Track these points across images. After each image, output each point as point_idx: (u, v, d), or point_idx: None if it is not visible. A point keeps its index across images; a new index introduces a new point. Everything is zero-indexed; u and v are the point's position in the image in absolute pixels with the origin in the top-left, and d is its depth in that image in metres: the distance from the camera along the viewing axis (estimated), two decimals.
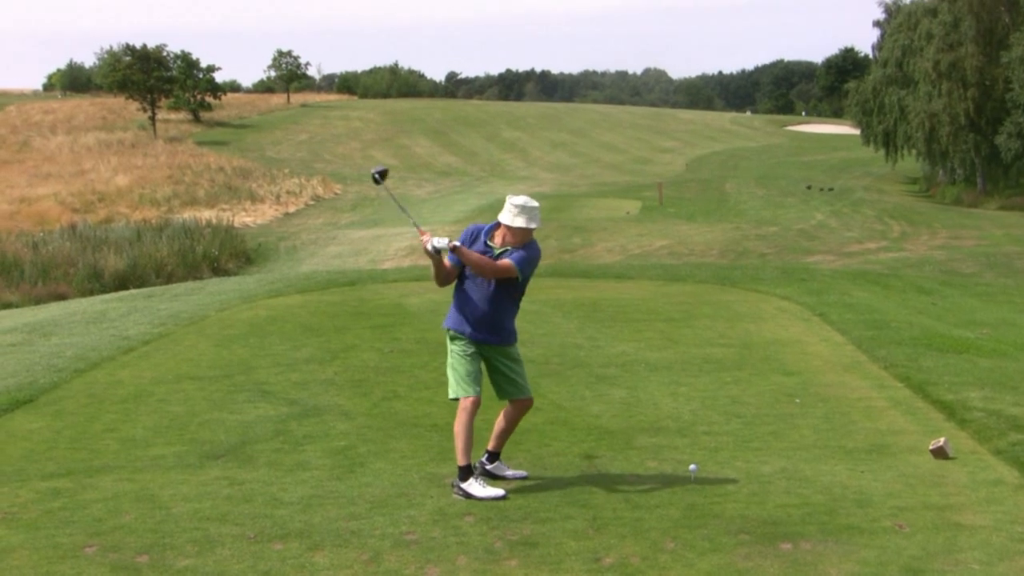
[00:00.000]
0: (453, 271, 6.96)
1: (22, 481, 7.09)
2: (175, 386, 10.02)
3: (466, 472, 6.69)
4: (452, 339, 7.02)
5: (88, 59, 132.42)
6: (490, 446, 7.12)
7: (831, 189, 56.80)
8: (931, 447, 7.42)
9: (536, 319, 13.18)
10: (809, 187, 57.30)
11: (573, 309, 14.48)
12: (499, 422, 7.14)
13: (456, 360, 6.97)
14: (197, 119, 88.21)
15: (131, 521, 6.20)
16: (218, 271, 38.62)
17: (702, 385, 9.82)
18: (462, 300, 6.99)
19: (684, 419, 8.59)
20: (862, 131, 70.30)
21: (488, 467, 7.06)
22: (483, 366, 7.03)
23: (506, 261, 6.82)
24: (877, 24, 72.37)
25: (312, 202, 61.44)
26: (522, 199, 6.94)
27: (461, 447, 6.76)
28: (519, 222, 6.87)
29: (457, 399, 6.89)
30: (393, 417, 8.78)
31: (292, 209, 59.00)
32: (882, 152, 67.28)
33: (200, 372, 10.63)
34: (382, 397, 9.51)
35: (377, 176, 7.29)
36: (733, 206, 50.15)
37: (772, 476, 6.98)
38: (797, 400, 9.17)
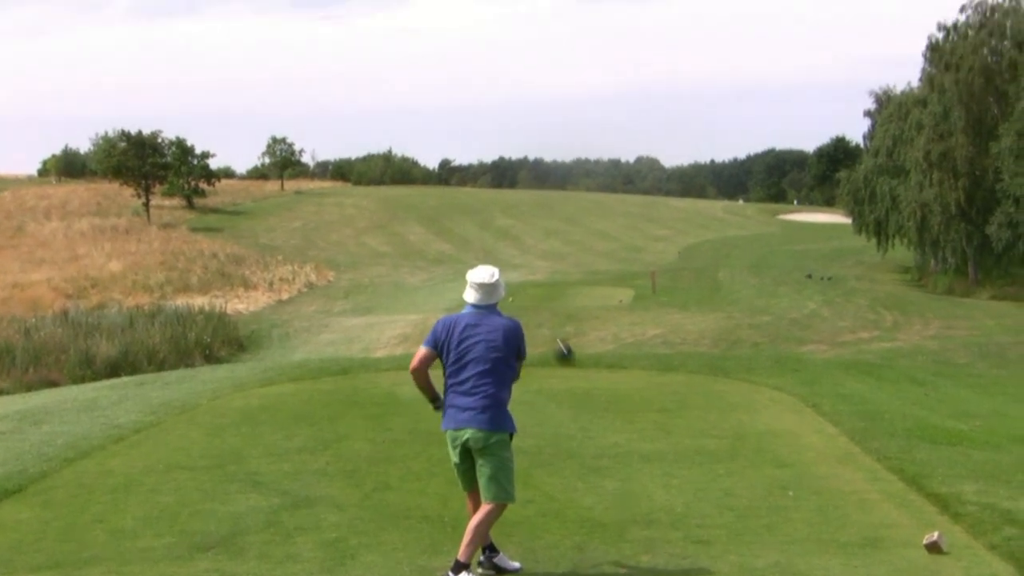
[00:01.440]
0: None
1: (9, 573, 7.05)
2: (166, 476, 9.99)
3: (462, 567, 6.66)
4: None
5: (83, 144, 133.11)
6: (485, 541, 7.11)
7: (830, 278, 57.02)
8: (925, 541, 7.41)
9: (528, 409, 13.16)
10: (809, 276, 57.45)
11: (566, 399, 14.48)
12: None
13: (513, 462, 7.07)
14: (191, 205, 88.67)
15: None
16: (210, 358, 38.61)
17: (695, 477, 9.82)
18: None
19: (677, 511, 8.58)
20: (854, 220, 70.82)
21: (495, 559, 7.04)
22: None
23: None
24: (868, 114, 73.39)
25: (305, 289, 61.61)
26: (476, 274, 7.14)
27: (475, 544, 6.79)
28: (470, 298, 7.12)
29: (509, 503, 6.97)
30: (385, 508, 8.76)
31: (285, 296, 59.14)
32: (874, 241, 67.74)
33: (191, 461, 10.61)
34: (374, 488, 9.49)
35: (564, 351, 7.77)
36: (726, 295, 50.37)
37: (766, 570, 6.96)
38: (790, 492, 9.17)
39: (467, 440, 6.92)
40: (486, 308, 7.08)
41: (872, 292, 51.88)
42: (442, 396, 7.18)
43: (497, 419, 6.95)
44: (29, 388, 28.91)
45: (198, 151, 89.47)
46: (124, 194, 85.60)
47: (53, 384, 29.87)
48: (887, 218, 64.69)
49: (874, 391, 16.31)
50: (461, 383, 6.97)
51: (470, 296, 7.09)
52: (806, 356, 26.78)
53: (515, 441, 7.24)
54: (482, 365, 6.93)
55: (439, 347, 7.07)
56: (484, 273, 7.10)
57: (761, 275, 58.43)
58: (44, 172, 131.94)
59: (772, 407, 14.03)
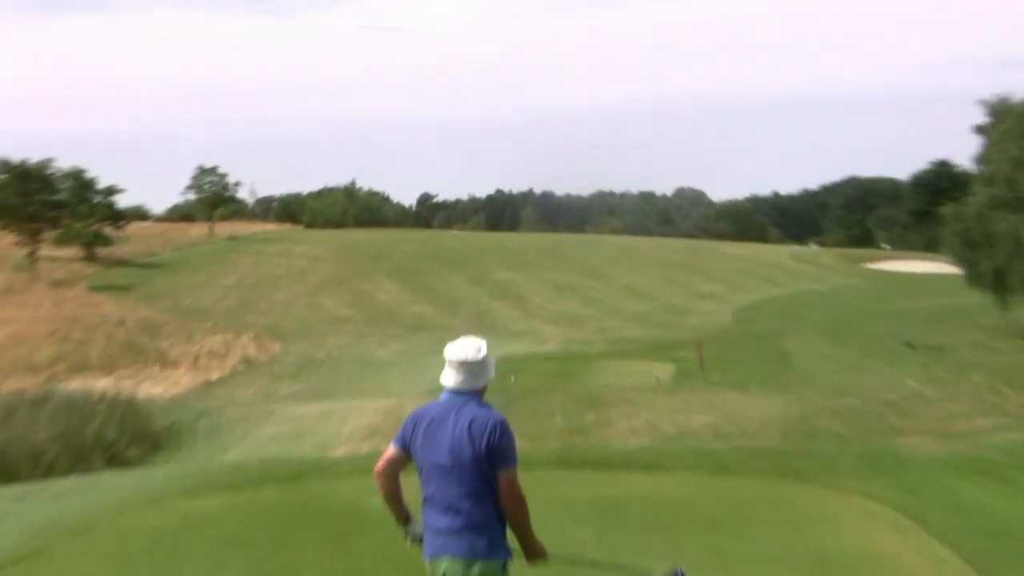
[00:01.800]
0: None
1: None
2: None
3: None
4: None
5: None
6: None
7: (936, 348, 56.77)
8: None
9: (540, 525, 13.04)
10: (908, 344, 57.15)
11: (588, 512, 14.40)
12: None
13: None
14: (92, 257, 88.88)
15: None
16: (115, 460, 38.41)
17: None
18: None
19: None
20: (965, 269, 70.88)
21: None
22: None
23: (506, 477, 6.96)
24: (979, 130, 73.63)
25: (241, 366, 61.54)
26: (456, 349, 7.04)
27: None
28: (448, 381, 7.03)
29: None
30: None
31: (215, 376, 59.06)
32: (992, 297, 67.71)
33: None
34: None
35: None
36: (797, 370, 50.26)
37: None
38: None
39: (444, 572, 6.84)
40: (468, 395, 6.96)
41: (992, 365, 51.78)
42: (414, 514, 7.09)
43: (478, 544, 6.84)
44: None
45: (101, 186, 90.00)
46: (3, 243, 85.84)
47: None
48: (1009, 266, 64.68)
49: (999, 499, 16.19)
50: (431, 496, 6.91)
51: (448, 379, 6.99)
52: (906, 452, 26.63)
53: (518, 571, 7.13)
54: (446, 474, 6.84)
55: (407, 446, 6.99)
56: (467, 348, 6.99)
57: (843, 344, 58.39)
58: None
59: (863, 522, 13.94)
